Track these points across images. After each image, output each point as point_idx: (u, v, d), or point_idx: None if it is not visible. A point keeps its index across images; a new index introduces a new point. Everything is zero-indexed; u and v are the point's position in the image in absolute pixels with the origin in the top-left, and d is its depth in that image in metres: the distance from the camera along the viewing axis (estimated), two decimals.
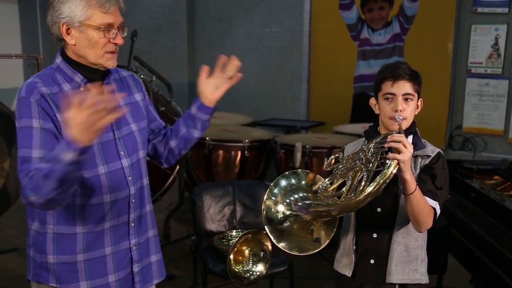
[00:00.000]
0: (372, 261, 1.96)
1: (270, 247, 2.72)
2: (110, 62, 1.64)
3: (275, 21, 5.91)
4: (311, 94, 5.88)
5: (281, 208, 1.90)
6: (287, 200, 1.90)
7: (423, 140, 1.97)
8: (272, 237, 1.88)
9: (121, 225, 1.73)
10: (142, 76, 4.38)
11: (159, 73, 4.82)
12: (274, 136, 4.67)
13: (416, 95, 1.89)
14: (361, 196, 1.68)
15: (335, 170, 1.90)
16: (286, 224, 1.90)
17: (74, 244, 1.67)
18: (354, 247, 1.99)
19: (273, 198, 1.91)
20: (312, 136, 4.73)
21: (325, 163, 2.00)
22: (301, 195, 1.91)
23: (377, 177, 1.67)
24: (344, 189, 1.79)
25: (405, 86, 1.86)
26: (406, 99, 1.86)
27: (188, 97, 6.51)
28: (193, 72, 6.61)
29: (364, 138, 2.03)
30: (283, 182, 1.94)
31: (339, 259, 2.08)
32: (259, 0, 6.00)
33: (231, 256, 2.64)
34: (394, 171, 1.67)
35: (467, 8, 4.95)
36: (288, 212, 1.89)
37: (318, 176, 1.98)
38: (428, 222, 1.83)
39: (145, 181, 1.84)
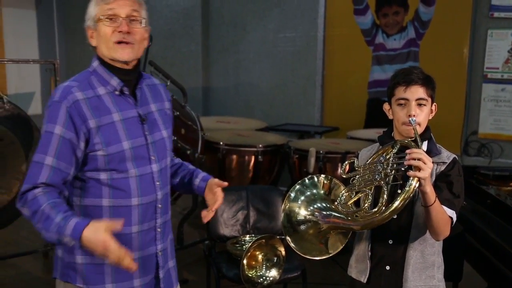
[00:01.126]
0: (387, 268, 1.95)
1: (283, 252, 2.72)
2: (120, 52, 1.67)
3: (289, 26, 5.92)
4: (325, 99, 5.87)
5: (302, 211, 1.94)
6: (309, 207, 1.94)
7: (438, 145, 1.95)
8: (285, 232, 1.93)
9: (148, 230, 1.76)
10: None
11: (174, 78, 4.84)
12: (288, 141, 4.67)
13: (429, 99, 1.87)
14: (387, 213, 1.71)
15: (352, 180, 1.90)
16: (303, 227, 1.93)
17: None
18: (369, 253, 1.98)
19: (296, 201, 1.94)
20: (326, 141, 4.72)
21: (341, 170, 2.00)
22: (322, 204, 1.94)
23: (401, 193, 1.69)
24: (365, 204, 1.81)
25: (418, 91, 1.84)
26: (419, 104, 1.85)
27: (202, 102, 6.54)
28: (208, 77, 6.64)
29: (378, 144, 2.02)
30: (303, 188, 1.97)
31: (353, 264, 2.07)
32: (274, 5, 6.01)
33: (245, 261, 2.64)
34: (416, 185, 1.68)
35: (483, 13, 4.91)
36: (307, 217, 1.93)
37: (334, 180, 1.99)
38: (446, 231, 1.83)
39: (169, 187, 1.87)
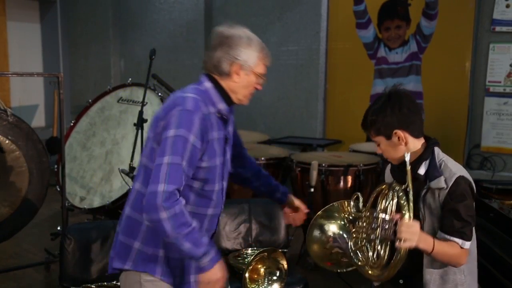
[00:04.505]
0: (401, 281, 1.97)
1: (285, 266, 2.70)
2: (247, 101, 2.00)
3: (292, 40, 5.95)
4: (328, 112, 5.88)
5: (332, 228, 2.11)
6: (338, 230, 2.10)
7: (442, 161, 1.94)
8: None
9: (210, 236, 1.99)
10: (160, 94, 4.43)
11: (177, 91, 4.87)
12: (290, 154, 4.67)
13: (380, 137, 1.94)
14: (392, 271, 1.80)
15: (358, 225, 2.00)
16: (325, 247, 2.10)
17: None
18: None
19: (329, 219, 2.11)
20: (329, 154, 4.72)
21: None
22: (344, 235, 2.09)
23: (394, 260, 1.78)
24: (374, 255, 1.90)
25: (370, 134, 1.99)
26: (377, 144, 1.97)
27: None
28: None
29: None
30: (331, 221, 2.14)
31: None
32: (276, 19, 6.06)
33: (247, 274, 2.62)
34: (405, 251, 1.76)
35: (485, 27, 4.93)
36: (329, 246, 2.10)
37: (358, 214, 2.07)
38: (461, 261, 1.84)
39: None
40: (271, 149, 4.94)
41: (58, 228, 4.39)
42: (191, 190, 1.85)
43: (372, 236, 1.88)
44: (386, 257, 1.83)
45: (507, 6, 4.83)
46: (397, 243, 1.73)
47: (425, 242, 1.77)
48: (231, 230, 3.16)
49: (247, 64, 1.89)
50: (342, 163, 4.11)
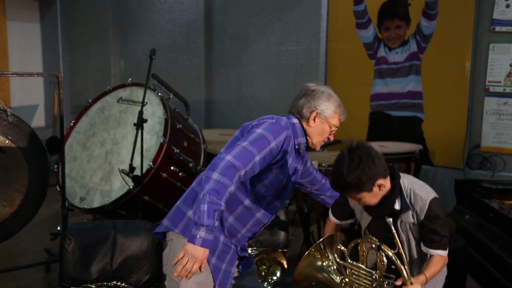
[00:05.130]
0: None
1: (285, 266, 2.71)
2: (319, 147, 2.38)
3: (292, 40, 5.95)
4: None
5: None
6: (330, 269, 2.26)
7: (408, 193, 2.12)
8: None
9: (246, 237, 2.32)
10: (159, 94, 4.43)
11: (177, 90, 4.86)
12: None
13: (363, 193, 2.04)
14: None
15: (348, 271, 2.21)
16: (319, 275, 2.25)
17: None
18: None
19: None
20: (328, 155, 4.71)
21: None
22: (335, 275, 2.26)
23: None
24: None
25: (348, 196, 2.15)
26: (357, 200, 2.10)
27: (204, 115, 6.56)
28: (210, 90, 6.67)
29: None
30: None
31: None
32: (276, 19, 6.06)
33: None
34: None
35: (485, 27, 4.93)
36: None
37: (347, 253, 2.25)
38: (443, 267, 2.15)
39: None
40: None
41: (58, 228, 4.39)
42: (254, 188, 2.20)
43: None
44: None
45: (507, 6, 4.83)
46: None
47: (422, 282, 2.05)
48: None
49: (323, 114, 2.29)
50: None
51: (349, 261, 2.20)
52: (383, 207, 2.08)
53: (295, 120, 2.30)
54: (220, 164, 1.97)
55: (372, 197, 2.06)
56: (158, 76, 4.70)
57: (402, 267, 2.01)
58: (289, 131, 2.21)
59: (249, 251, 3.12)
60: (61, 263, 2.75)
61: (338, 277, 2.23)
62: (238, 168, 1.98)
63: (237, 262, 2.30)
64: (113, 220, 3.16)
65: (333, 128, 2.34)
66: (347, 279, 2.20)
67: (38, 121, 7.64)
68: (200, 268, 1.94)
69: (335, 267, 2.25)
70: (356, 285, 2.17)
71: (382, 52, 5.51)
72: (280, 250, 2.74)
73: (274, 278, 2.72)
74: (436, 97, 5.20)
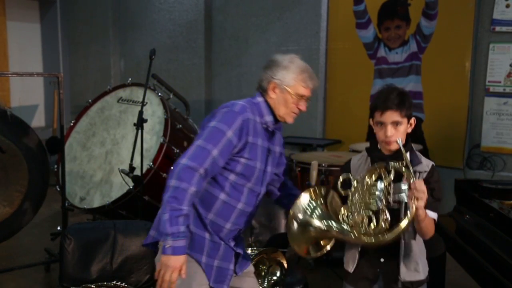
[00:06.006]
0: (382, 260, 2.13)
1: (285, 266, 2.71)
2: (290, 119, 2.23)
3: (292, 40, 5.95)
4: (328, 112, 5.88)
5: (311, 219, 2.11)
6: (321, 219, 2.10)
7: (417, 153, 2.16)
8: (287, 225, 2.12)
9: (234, 230, 2.23)
10: (160, 94, 4.43)
11: (177, 90, 4.87)
12: (290, 154, 4.67)
13: (405, 119, 2.08)
14: (396, 234, 1.92)
15: (350, 198, 2.07)
16: (306, 228, 2.10)
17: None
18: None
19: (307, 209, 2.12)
20: (328, 154, 4.72)
21: (338, 185, 2.15)
22: (323, 215, 2.10)
23: (405, 217, 1.92)
24: (371, 225, 2.00)
25: (393, 115, 2.05)
26: (395, 125, 2.06)
27: (204, 115, 6.55)
28: (210, 90, 6.67)
29: (366, 154, 2.24)
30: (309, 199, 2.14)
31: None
32: (276, 19, 6.06)
33: None
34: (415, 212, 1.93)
35: (485, 27, 4.93)
36: (312, 224, 2.10)
37: (325, 190, 2.16)
38: (432, 231, 2.10)
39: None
40: None
41: (58, 228, 4.39)
42: (227, 181, 2.12)
43: (378, 203, 1.99)
44: (387, 223, 1.96)
45: (507, 6, 4.83)
46: (412, 202, 1.90)
47: (423, 210, 1.97)
48: None
49: (282, 83, 2.15)
50: (342, 163, 4.10)
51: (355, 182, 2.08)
52: (398, 154, 2.04)
53: (259, 99, 2.20)
54: (175, 170, 1.96)
55: (403, 133, 2.08)
56: (158, 76, 4.70)
57: (410, 173, 1.95)
58: (247, 113, 2.09)
59: (249, 251, 3.13)
60: (61, 263, 2.75)
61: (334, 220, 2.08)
62: (194, 168, 1.96)
63: (234, 259, 2.27)
64: (113, 220, 3.16)
65: (299, 98, 2.17)
66: (347, 210, 2.07)
67: (38, 121, 7.65)
68: (181, 274, 1.95)
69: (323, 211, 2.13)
70: (362, 205, 2.03)
71: (382, 52, 5.51)
72: (280, 250, 2.74)
73: (274, 278, 2.72)
74: (436, 97, 5.20)
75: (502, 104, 4.93)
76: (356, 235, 1.99)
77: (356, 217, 2.02)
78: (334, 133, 5.82)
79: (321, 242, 2.17)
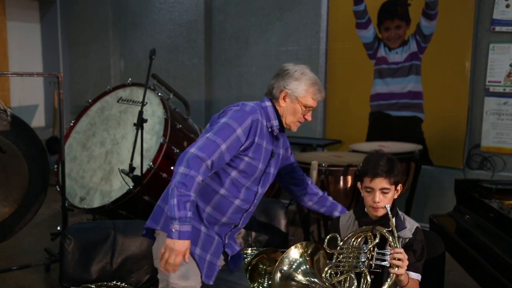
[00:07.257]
0: None
1: None
2: (295, 128, 2.34)
3: (292, 40, 5.95)
4: (327, 112, 5.88)
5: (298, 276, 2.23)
6: (303, 275, 2.22)
7: (402, 216, 2.27)
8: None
9: (229, 225, 2.30)
10: (159, 94, 4.43)
11: (177, 90, 4.87)
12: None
13: (393, 186, 2.20)
14: None
15: (335, 257, 2.22)
16: (288, 281, 2.21)
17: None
18: None
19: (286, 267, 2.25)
20: (328, 154, 4.72)
21: (324, 244, 2.29)
22: (307, 271, 2.23)
23: (386, 282, 2.07)
24: (353, 287, 2.12)
25: (382, 183, 2.17)
26: (383, 192, 2.17)
27: (204, 115, 6.56)
28: (210, 90, 6.67)
29: (353, 215, 2.35)
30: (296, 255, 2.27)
31: None
32: (276, 19, 6.06)
33: (247, 274, 2.62)
34: (396, 278, 2.08)
35: (485, 27, 4.93)
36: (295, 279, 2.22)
37: (313, 246, 2.28)
38: None
39: (255, 208, 2.41)
40: None
41: (58, 228, 4.39)
42: (228, 177, 2.19)
43: (361, 265, 2.12)
44: (368, 286, 2.09)
45: (507, 6, 4.83)
46: (392, 270, 2.05)
47: (405, 276, 2.10)
48: None
49: (293, 94, 2.25)
50: (342, 163, 4.12)
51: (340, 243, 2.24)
52: (384, 220, 2.19)
53: (268, 103, 2.30)
54: (185, 157, 2.01)
55: (390, 197, 2.19)
56: (158, 76, 4.70)
57: (394, 240, 2.09)
58: (256, 115, 2.18)
59: (249, 251, 3.13)
60: (61, 263, 2.75)
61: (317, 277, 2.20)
62: (203, 158, 2.01)
63: (222, 257, 2.32)
64: (113, 220, 3.17)
65: (306, 108, 2.28)
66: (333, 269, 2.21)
67: (38, 121, 7.65)
68: (184, 258, 2.00)
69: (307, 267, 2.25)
70: (346, 267, 2.17)
71: (382, 52, 5.51)
72: (280, 250, 2.74)
73: None
74: (436, 97, 5.20)
75: (502, 104, 4.93)
76: None
77: (339, 277, 2.15)
78: (334, 133, 5.82)
79: None
